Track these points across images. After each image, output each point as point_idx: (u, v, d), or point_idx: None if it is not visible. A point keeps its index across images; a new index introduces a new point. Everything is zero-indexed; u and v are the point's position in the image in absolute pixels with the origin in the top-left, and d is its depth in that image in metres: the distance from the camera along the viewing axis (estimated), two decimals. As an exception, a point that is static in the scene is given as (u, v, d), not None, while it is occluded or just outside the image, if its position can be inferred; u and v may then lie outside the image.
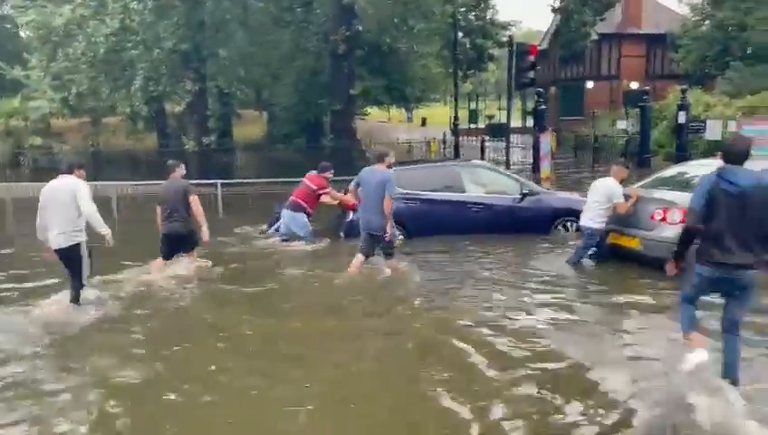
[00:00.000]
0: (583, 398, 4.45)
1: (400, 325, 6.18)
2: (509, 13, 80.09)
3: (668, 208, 7.45)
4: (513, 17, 54.51)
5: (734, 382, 4.32)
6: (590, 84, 32.70)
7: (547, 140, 18.90)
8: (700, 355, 4.38)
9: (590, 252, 8.26)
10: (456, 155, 20.45)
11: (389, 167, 7.95)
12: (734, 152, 4.28)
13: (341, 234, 9.76)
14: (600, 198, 8.06)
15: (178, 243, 8.09)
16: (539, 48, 33.08)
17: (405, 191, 9.16)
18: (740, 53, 25.18)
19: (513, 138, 24.90)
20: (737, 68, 24.64)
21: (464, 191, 9.81)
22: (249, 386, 4.76)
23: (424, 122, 41.56)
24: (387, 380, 4.95)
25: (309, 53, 17.38)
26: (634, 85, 31.17)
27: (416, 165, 11.87)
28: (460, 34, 23.86)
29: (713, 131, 20.15)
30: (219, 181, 14.03)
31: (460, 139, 23.61)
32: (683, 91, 20.61)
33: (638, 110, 21.77)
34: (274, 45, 17.33)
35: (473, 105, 42.26)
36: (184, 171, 8.43)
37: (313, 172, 9.87)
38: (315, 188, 9.55)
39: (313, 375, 4.92)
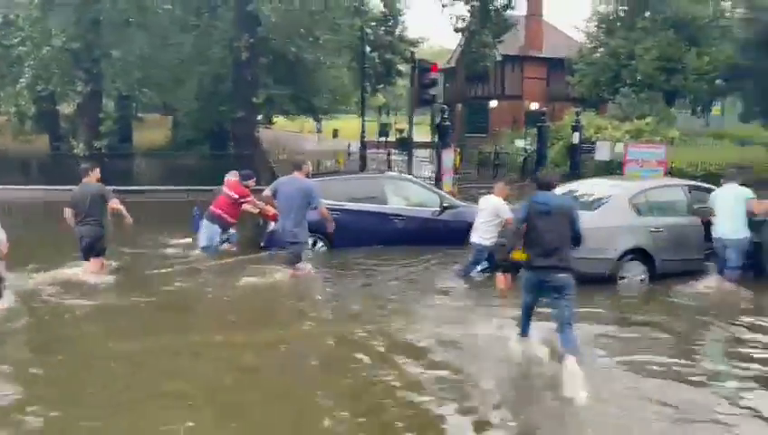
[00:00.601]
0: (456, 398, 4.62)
1: (283, 337, 6.15)
2: (421, 30, 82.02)
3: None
4: (423, 34, 55.79)
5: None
6: (494, 103, 33.90)
7: (450, 156, 19.41)
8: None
9: (479, 267, 8.51)
10: (363, 168, 20.60)
11: (307, 175, 8.08)
12: (545, 182, 5.57)
13: (262, 244, 9.57)
14: (487, 216, 8.31)
15: (90, 246, 7.95)
16: (447, 66, 34.23)
17: (329, 202, 9.03)
18: (629, 79, 26.93)
19: (422, 152, 25.54)
20: (626, 94, 26.38)
21: (386, 203, 9.96)
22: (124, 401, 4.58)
23: (336, 134, 41.59)
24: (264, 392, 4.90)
25: (212, 59, 16.97)
26: (534, 106, 32.65)
27: (339, 176, 11.91)
28: (368, 48, 24.20)
29: (602, 152, 21.42)
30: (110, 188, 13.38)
31: (369, 151, 23.83)
32: (577, 114, 21.80)
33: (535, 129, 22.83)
34: (176, 49, 16.80)
35: (384, 118, 42.76)
36: (99, 174, 8.24)
37: (232, 177, 9.59)
38: (237, 196, 9.27)
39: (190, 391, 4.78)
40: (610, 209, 8.19)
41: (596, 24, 29.59)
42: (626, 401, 4.69)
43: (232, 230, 9.67)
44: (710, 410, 4.57)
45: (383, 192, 10.12)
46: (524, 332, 5.62)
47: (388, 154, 21.37)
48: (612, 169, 20.54)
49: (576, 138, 21.39)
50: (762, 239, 7.93)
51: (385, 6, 25.58)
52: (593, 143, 21.68)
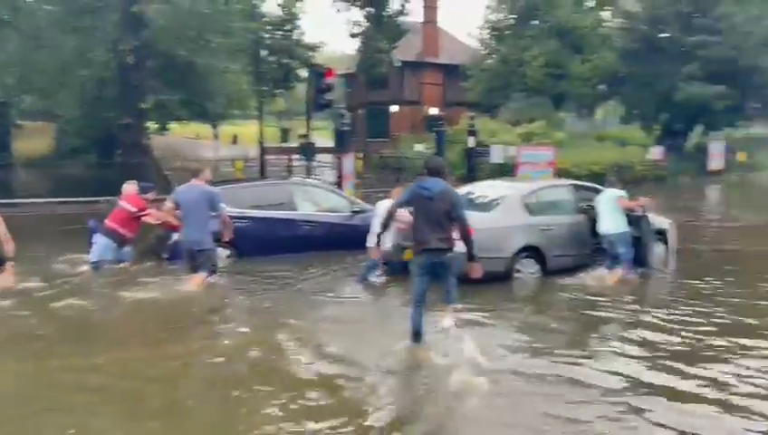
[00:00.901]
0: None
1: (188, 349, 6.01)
2: (323, 35, 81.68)
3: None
4: (324, 39, 55.53)
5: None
6: (394, 108, 34.37)
7: (351, 161, 19.48)
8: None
9: (377, 271, 8.38)
10: (262, 174, 20.23)
11: (207, 182, 7.86)
12: (432, 168, 5.77)
13: (164, 255, 9.11)
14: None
15: None
16: (347, 72, 34.34)
17: (236, 210, 8.85)
18: (520, 85, 28.19)
19: (325, 157, 25.43)
20: (517, 99, 27.62)
21: (296, 209, 9.76)
22: None
23: (235, 140, 40.67)
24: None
25: (95, 62, 16.04)
26: (434, 111, 33.45)
27: (246, 183, 11.54)
28: (265, 52, 23.86)
29: (496, 155, 22.28)
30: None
31: (269, 157, 23.40)
32: (471, 118, 22.56)
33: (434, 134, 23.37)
34: (56, 51, 15.73)
35: (285, 124, 42.32)
36: None
37: (130, 188, 8.97)
38: (135, 210, 8.67)
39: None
40: (504, 210, 8.51)
41: (488, 31, 30.72)
42: (513, 382, 5.06)
43: (126, 248, 9.00)
44: (591, 388, 4.94)
45: (292, 198, 9.94)
46: (416, 336, 5.65)
47: (290, 160, 21.10)
48: (506, 171, 21.39)
49: (471, 142, 22.13)
50: (640, 233, 8.53)
51: (282, 10, 25.27)
52: (487, 147, 22.50)
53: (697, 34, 25.75)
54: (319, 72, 15.09)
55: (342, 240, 9.61)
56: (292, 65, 24.43)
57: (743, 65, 25.02)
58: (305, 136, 36.15)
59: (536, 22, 28.01)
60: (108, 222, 8.72)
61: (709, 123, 28.41)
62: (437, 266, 5.58)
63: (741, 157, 25.25)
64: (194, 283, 7.62)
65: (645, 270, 8.66)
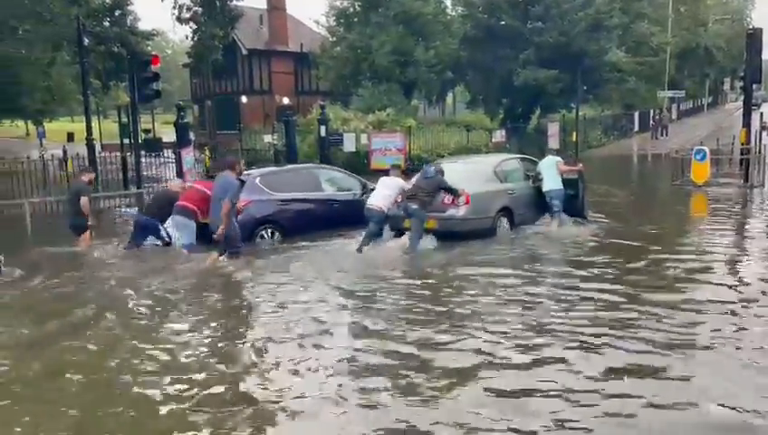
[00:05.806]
0: None
1: None
2: (159, 22, 76.71)
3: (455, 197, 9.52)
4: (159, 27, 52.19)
5: None
6: (244, 99, 33.14)
7: (190, 155, 18.31)
8: None
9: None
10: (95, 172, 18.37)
11: (240, 173, 8.73)
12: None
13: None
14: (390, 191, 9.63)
15: None
16: (191, 61, 32.47)
17: (279, 194, 10.04)
18: (369, 72, 28.14)
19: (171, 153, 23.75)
20: (367, 86, 27.55)
21: (322, 190, 10.82)
22: None
23: (71, 137, 37.23)
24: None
25: None
26: (285, 100, 32.67)
27: (279, 168, 12.63)
28: (92, 41, 21.77)
29: (349, 143, 22.06)
30: None
31: (105, 154, 21.39)
32: (322, 107, 22.12)
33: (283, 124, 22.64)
34: None
35: (126, 119, 39.34)
36: None
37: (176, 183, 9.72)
38: (209, 192, 8.67)
39: None
40: (485, 180, 10.23)
41: (334, 18, 30.38)
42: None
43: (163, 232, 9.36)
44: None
45: (320, 180, 10.97)
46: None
47: (123, 157, 19.41)
48: (360, 158, 21.25)
49: (323, 130, 21.72)
50: (575, 192, 10.74)
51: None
52: (339, 135, 22.21)
53: (532, 22, 27.11)
54: (143, 61, 13.86)
55: (357, 216, 10.15)
56: (124, 55, 22.46)
57: (573, 50, 26.71)
58: (148, 131, 33.94)
59: (381, 9, 28.02)
60: (185, 203, 8.90)
61: (546, 106, 30.13)
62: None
63: (573, 136, 27.00)
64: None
65: (581, 220, 10.89)
